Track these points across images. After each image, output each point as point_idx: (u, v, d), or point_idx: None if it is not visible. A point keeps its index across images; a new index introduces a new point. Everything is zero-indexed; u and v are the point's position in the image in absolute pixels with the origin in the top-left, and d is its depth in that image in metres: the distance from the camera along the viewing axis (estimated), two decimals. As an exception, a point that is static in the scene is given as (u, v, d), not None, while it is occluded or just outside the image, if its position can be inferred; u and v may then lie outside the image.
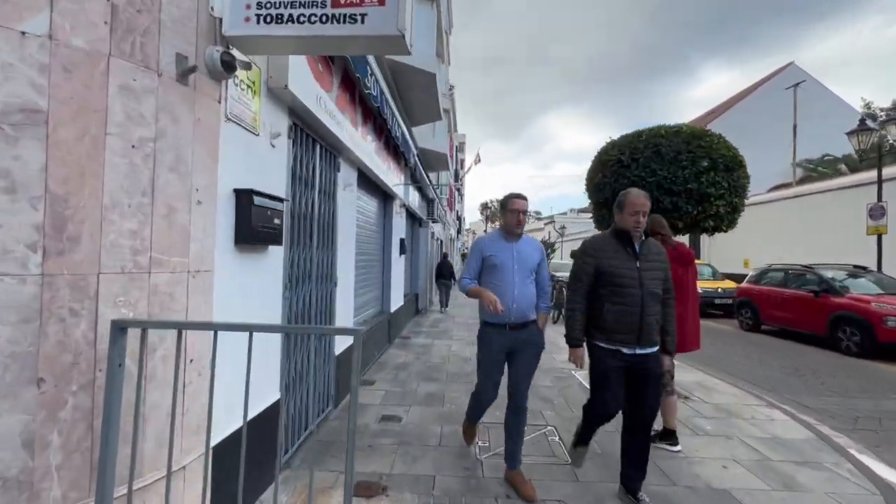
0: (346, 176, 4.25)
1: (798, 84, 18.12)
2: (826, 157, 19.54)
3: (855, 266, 9.18)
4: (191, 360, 1.88)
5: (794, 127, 17.65)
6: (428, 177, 10.32)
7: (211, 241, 2.03)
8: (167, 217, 1.78)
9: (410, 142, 6.63)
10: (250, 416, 2.33)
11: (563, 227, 36.35)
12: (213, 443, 2.04)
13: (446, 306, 12.15)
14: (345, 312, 4.33)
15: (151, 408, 1.71)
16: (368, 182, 5.63)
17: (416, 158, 7.56)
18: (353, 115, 4.08)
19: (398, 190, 7.12)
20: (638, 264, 2.45)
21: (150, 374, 1.72)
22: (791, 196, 15.33)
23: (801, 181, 17.55)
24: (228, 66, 2.01)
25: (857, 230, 12.48)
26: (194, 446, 1.93)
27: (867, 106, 24.53)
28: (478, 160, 35.61)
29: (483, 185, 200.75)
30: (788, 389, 5.31)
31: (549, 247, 15.05)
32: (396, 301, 7.57)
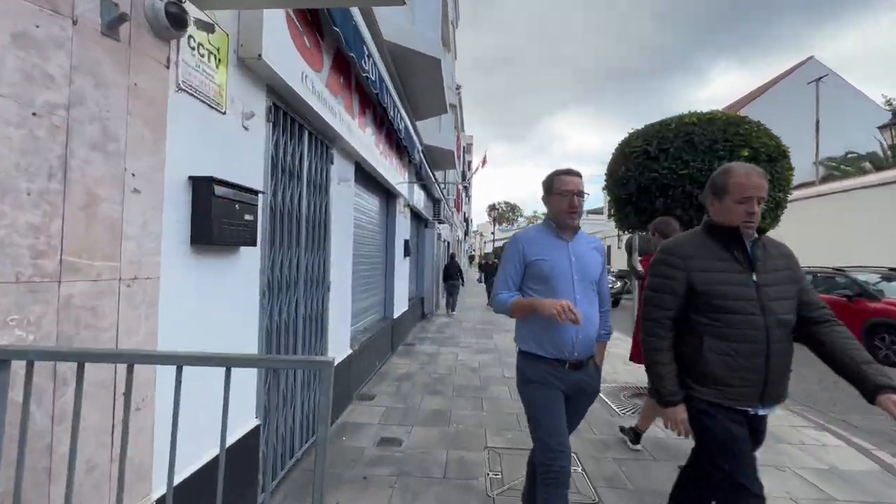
0: (342, 169, 3.84)
1: (821, 78, 17.38)
2: (850, 155, 18.78)
3: (890, 269, 8.59)
4: (122, 393, 1.46)
5: (817, 123, 16.91)
6: (434, 175, 9.91)
7: (154, 240, 1.61)
8: (87, 209, 1.37)
9: (414, 136, 6.22)
10: (213, 453, 1.92)
11: (572, 229, 35.54)
12: (158, 493, 1.63)
13: (454, 309, 11.73)
14: (340, 320, 3.92)
15: (60, 460, 1.30)
16: (368, 178, 5.22)
17: (421, 155, 7.15)
18: (349, 101, 3.67)
19: (402, 188, 6.71)
20: (755, 277, 1.62)
21: (60, 415, 1.30)
22: (814, 195, 14.67)
23: (824, 179, 16.84)
24: (177, 20, 1.60)
25: (885, 230, 11.83)
26: (133, 501, 1.52)
27: (889, 103, 23.68)
28: (484, 161, 35.30)
29: (490, 186, 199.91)
30: (832, 406, 4.78)
31: None
32: (400, 306, 7.15)
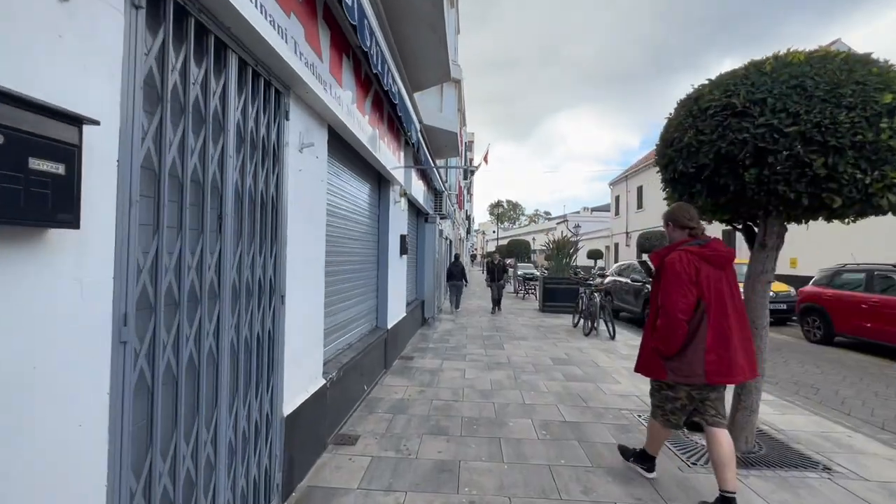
0: (305, 131, 2.74)
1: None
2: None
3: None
4: None
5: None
6: (435, 164, 8.81)
7: None
8: None
9: (411, 110, 5.14)
10: None
11: (577, 226, 34.44)
12: None
13: (458, 307, 12.12)
14: (306, 342, 2.82)
15: None
16: (351, 154, 4.13)
17: (420, 135, 6.06)
18: (313, 29, 2.58)
19: (398, 174, 5.61)
20: None
21: None
22: None
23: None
24: None
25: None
26: None
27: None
28: (486, 158, 34.41)
29: (492, 185, 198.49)
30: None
31: (572, 246, 13.49)
32: (396, 313, 6.06)
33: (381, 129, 4.58)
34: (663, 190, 3.71)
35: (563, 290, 11.83)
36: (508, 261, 22.19)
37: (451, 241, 19.85)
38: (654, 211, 23.27)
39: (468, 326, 9.32)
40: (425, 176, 8.18)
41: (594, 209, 51.51)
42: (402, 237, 6.39)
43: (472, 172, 32.68)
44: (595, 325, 8.47)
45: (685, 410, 2.53)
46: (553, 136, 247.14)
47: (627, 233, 27.95)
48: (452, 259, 12.73)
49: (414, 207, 8.43)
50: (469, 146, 31.77)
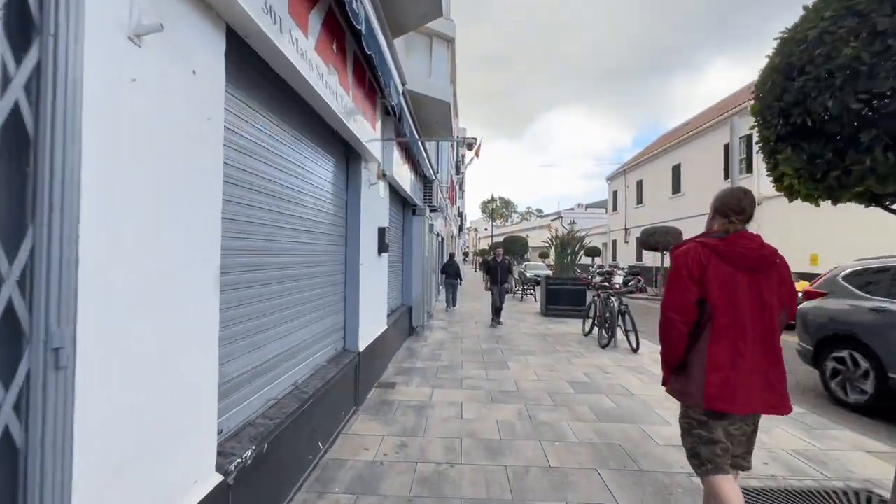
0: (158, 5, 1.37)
1: None
2: None
3: None
4: None
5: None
6: (424, 146, 7.43)
7: None
8: None
9: (390, 61, 3.79)
10: None
11: (573, 223, 33.24)
12: None
13: (454, 305, 11.78)
14: (149, 440, 1.46)
15: None
16: (295, 105, 2.76)
17: (404, 100, 4.70)
18: None
19: (374, 149, 4.26)
20: None
21: None
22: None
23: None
24: None
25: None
26: None
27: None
28: (478, 151, 33.31)
29: (484, 182, 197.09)
30: None
31: (577, 242, 12.13)
32: (373, 329, 4.71)
33: (343, 77, 3.21)
34: (769, 155, 2.41)
35: (569, 292, 10.54)
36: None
37: (442, 239, 18.49)
38: (655, 206, 22.14)
39: (464, 337, 7.99)
40: (412, 159, 6.81)
41: (588, 206, 50.52)
42: (381, 231, 5.02)
43: (465, 168, 31.36)
44: (613, 335, 7.19)
45: (728, 454, 1.91)
46: (546, 134, 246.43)
47: (626, 229, 26.83)
48: (447, 258, 12.24)
49: (399, 196, 7.06)
50: (462, 142, 30.41)
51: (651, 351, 6.70)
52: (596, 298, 7.99)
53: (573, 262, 11.41)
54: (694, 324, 1.94)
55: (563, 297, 10.59)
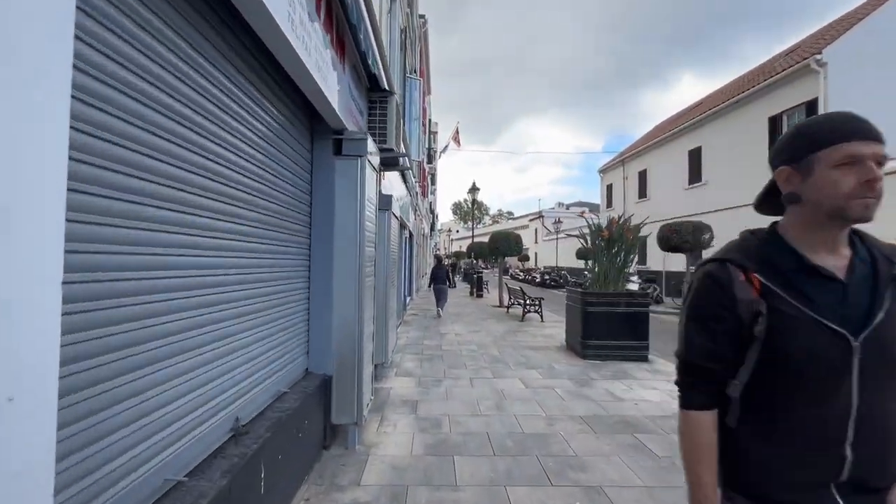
0: None
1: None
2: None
3: None
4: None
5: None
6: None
7: None
8: None
9: None
10: None
11: (558, 222, 30.17)
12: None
13: (442, 309, 11.71)
14: None
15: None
16: None
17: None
18: None
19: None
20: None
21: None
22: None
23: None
24: None
25: None
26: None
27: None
28: (457, 138, 29.73)
29: (456, 187, 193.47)
30: None
31: (634, 234, 7.51)
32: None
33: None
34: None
35: (622, 317, 6.45)
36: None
37: (412, 237, 14.53)
38: (665, 199, 18.89)
39: (449, 416, 4.15)
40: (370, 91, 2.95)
41: (569, 205, 48.16)
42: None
43: (437, 158, 27.75)
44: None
45: None
46: (519, 140, 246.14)
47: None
48: (434, 263, 11.17)
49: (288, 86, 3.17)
50: (434, 137, 26.79)
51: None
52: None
53: (624, 269, 7.20)
54: None
55: (611, 326, 6.47)
